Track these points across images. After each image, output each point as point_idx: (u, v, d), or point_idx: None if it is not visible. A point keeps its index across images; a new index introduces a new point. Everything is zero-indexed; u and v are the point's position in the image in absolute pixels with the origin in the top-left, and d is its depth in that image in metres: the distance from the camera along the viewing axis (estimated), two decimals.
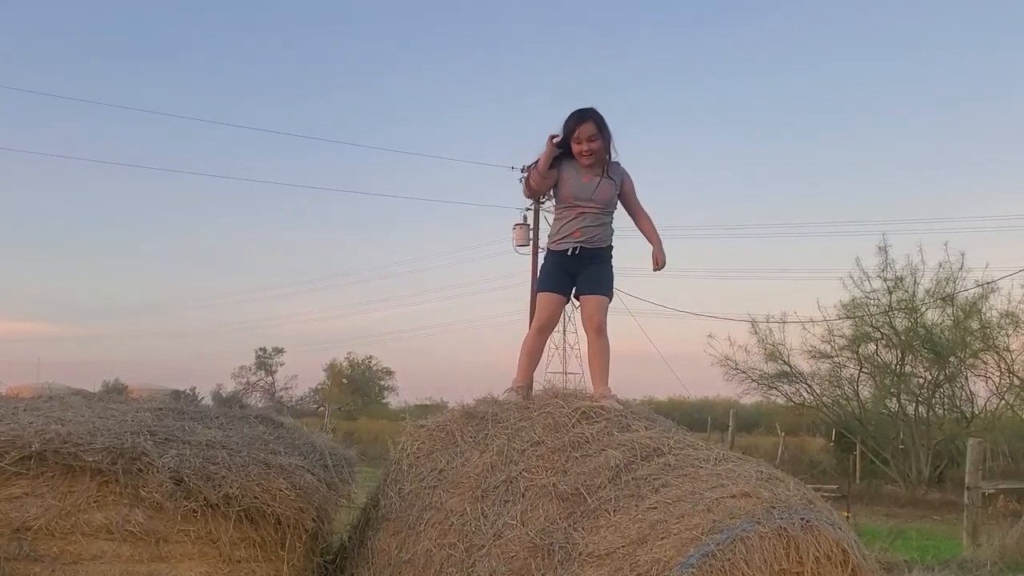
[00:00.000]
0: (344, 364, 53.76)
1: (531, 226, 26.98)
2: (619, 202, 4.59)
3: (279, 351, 54.44)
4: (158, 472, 3.25)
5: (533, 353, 4.63)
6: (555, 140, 4.48)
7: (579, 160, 4.47)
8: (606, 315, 4.54)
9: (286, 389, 53.84)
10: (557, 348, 40.44)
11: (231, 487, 3.33)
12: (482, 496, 3.58)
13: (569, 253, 4.49)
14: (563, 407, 3.84)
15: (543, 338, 4.67)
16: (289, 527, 3.47)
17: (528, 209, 27.04)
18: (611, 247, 4.60)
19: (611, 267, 4.61)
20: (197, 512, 3.32)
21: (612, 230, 4.58)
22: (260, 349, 54.26)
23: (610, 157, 4.55)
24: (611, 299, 4.60)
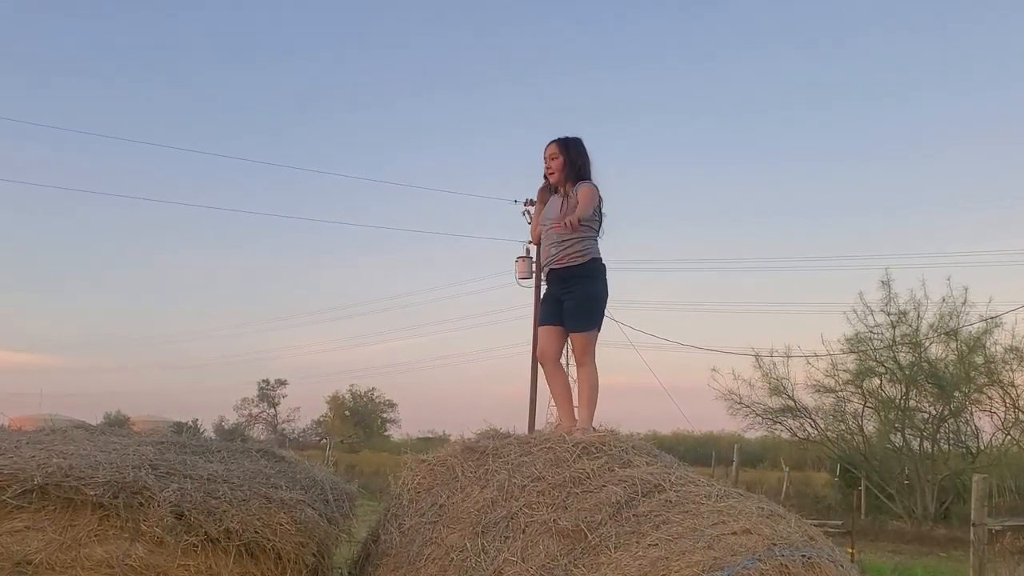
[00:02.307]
0: (346, 396, 53.55)
1: (533, 259, 27.04)
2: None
3: (282, 383, 54.23)
4: (159, 506, 3.25)
5: (554, 390, 4.73)
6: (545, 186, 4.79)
7: (549, 179, 4.75)
8: (591, 347, 4.60)
9: (288, 421, 53.55)
10: None
11: (232, 521, 3.33)
12: (482, 532, 3.57)
13: (544, 276, 4.68)
14: (564, 442, 3.84)
15: (548, 370, 4.75)
16: (289, 562, 3.47)
17: (531, 242, 27.06)
18: (592, 262, 4.61)
19: (594, 289, 4.62)
20: (198, 546, 3.31)
21: (588, 247, 4.59)
22: (263, 381, 54.05)
23: (578, 177, 4.66)
24: (597, 328, 4.63)
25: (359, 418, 52.28)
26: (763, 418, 20.83)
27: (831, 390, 20.21)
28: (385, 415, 54.59)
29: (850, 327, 19.93)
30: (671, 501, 3.37)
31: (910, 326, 19.33)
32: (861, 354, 19.85)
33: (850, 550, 9.21)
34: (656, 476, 3.55)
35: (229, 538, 3.34)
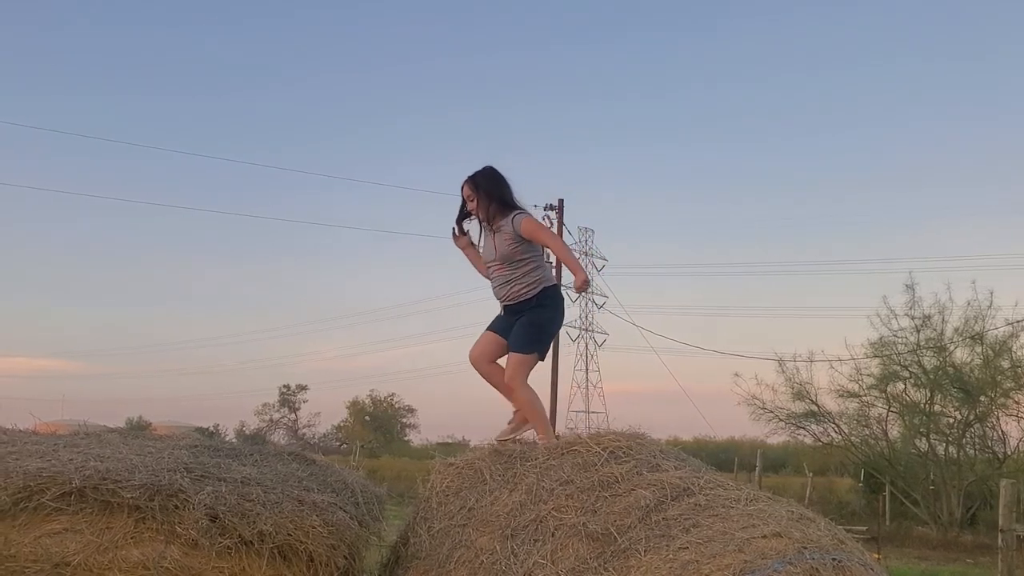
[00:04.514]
0: (366, 401, 53.81)
1: (554, 264, 27.05)
2: (532, 242, 4.58)
3: (302, 388, 54.60)
4: (194, 509, 3.29)
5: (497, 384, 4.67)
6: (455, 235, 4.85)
7: (476, 217, 4.73)
8: (524, 371, 4.54)
9: (309, 426, 53.87)
10: (580, 387, 40.41)
11: (265, 524, 3.36)
12: (512, 535, 3.60)
13: (502, 313, 4.66)
14: (592, 446, 3.85)
15: (482, 370, 4.69)
16: (321, 564, 3.50)
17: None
18: (543, 291, 4.58)
19: (545, 314, 4.58)
20: (232, 549, 3.35)
21: (536, 277, 4.57)
22: (284, 386, 54.44)
23: (500, 210, 4.61)
24: (538, 354, 4.58)
25: (379, 423, 52.47)
26: (786, 423, 20.73)
27: (855, 395, 20.08)
28: (404, 420, 54.81)
29: (874, 331, 19.80)
30: (700, 505, 3.39)
31: (935, 330, 19.18)
32: (885, 358, 19.71)
33: (876, 555, 9.16)
34: (685, 480, 3.56)
35: (262, 540, 3.37)
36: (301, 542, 3.43)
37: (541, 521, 3.57)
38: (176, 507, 3.30)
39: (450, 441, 37.47)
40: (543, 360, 4.67)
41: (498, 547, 3.57)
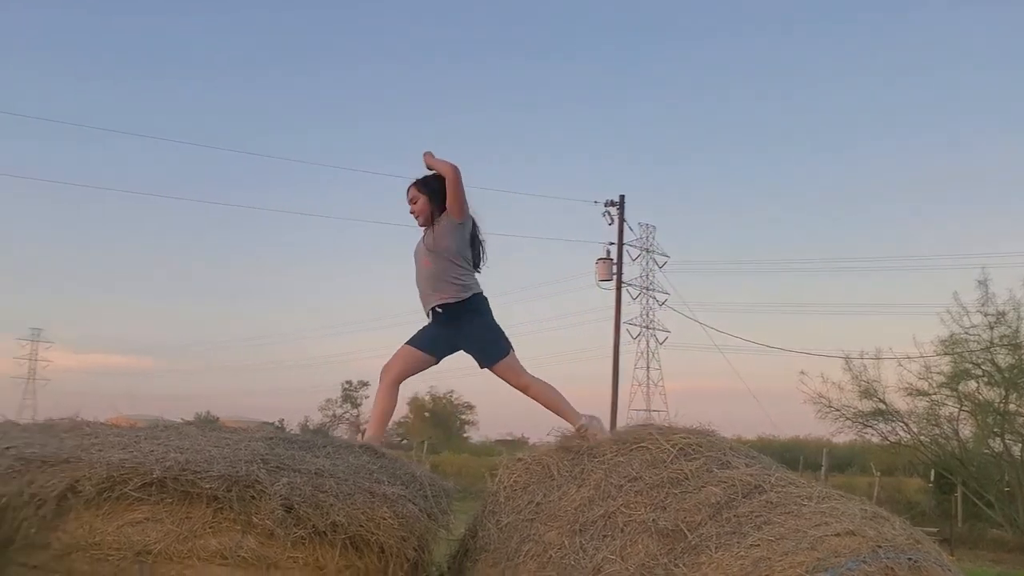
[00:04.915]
0: (426, 398, 54.19)
1: (614, 260, 26.92)
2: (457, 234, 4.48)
3: (364, 384, 55.15)
4: (270, 499, 3.35)
5: (379, 406, 4.75)
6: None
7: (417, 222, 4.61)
8: (518, 365, 4.51)
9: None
10: (640, 385, 40.15)
11: (338, 515, 3.41)
12: (580, 530, 3.61)
13: (429, 317, 4.56)
14: (661, 443, 3.84)
15: (383, 387, 4.72)
16: (392, 556, 3.54)
17: (611, 244, 27.00)
18: (475, 297, 4.50)
19: (482, 322, 4.50)
20: (306, 539, 3.40)
21: (465, 282, 4.48)
22: (346, 382, 55.08)
23: (441, 209, 4.53)
24: (509, 350, 4.52)
25: (438, 420, 52.81)
26: (853, 422, 20.35)
27: (924, 393, 19.62)
28: (463, 417, 55.08)
29: (944, 328, 19.33)
30: (772, 502, 3.35)
31: (1009, 327, 18.63)
32: (956, 356, 19.22)
33: (950, 557, 8.93)
34: (756, 477, 3.53)
35: (335, 531, 3.43)
36: (372, 533, 3.47)
37: (610, 517, 3.57)
38: (253, 497, 3.37)
39: (510, 438, 37.59)
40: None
41: (566, 542, 3.58)
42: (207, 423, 4.76)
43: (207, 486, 3.34)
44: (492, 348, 4.50)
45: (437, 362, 4.65)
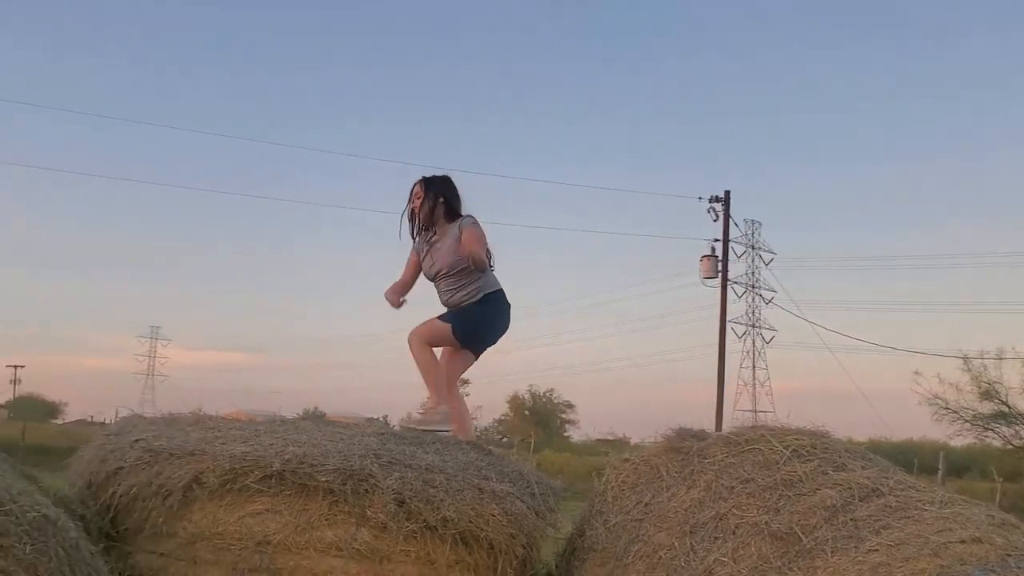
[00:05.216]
0: (525, 396, 54.41)
1: (719, 258, 26.46)
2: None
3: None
4: (383, 493, 3.43)
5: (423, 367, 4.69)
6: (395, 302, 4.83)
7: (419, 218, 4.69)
8: (429, 333, 4.57)
9: (471, 419, 54.96)
10: (746, 385, 39.34)
11: (448, 510, 3.47)
12: (690, 532, 3.56)
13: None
14: (773, 444, 3.76)
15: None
16: (501, 552, 3.57)
17: (716, 240, 26.56)
18: (485, 298, 4.61)
19: (478, 310, 4.62)
20: (417, 533, 3.47)
21: (479, 285, 4.61)
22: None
23: (445, 214, 4.62)
24: (448, 326, 4.59)
25: (539, 418, 52.98)
26: (972, 424, 19.52)
27: None
28: (564, 416, 55.10)
29: None
30: (891, 506, 3.24)
31: None
32: None
33: None
34: (873, 480, 3.42)
35: (446, 526, 3.48)
36: (482, 529, 3.52)
37: (721, 519, 3.51)
38: (366, 491, 3.45)
39: (611, 438, 37.41)
40: (476, 357, 4.75)
41: (676, 543, 3.54)
42: (316, 418, 4.90)
43: (323, 479, 3.44)
44: (458, 319, 4.62)
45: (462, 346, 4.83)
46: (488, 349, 4.86)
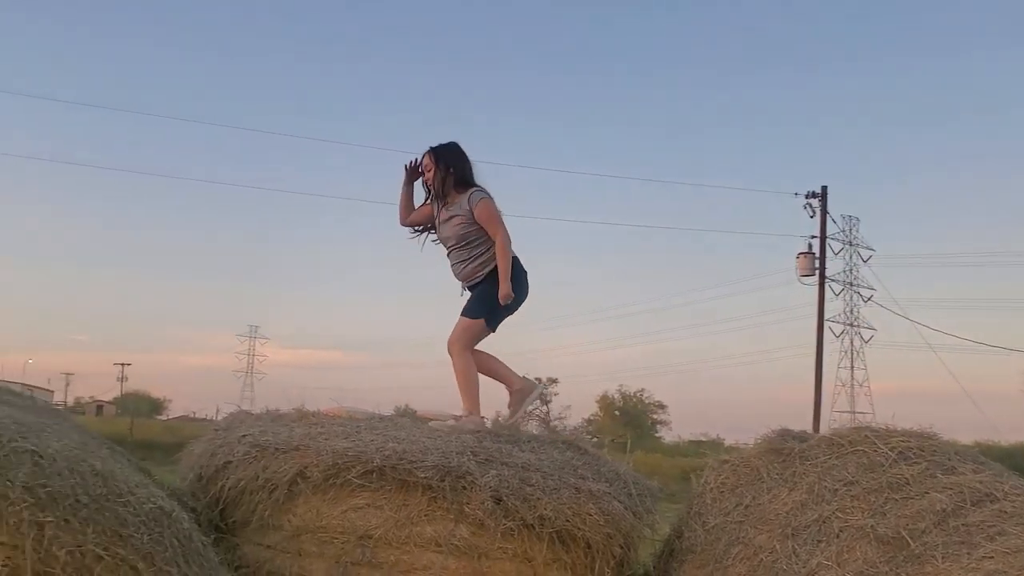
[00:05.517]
0: (616, 396, 54.08)
1: (816, 255, 25.80)
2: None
3: (553, 381, 55.78)
4: (480, 491, 3.47)
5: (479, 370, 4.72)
6: (409, 166, 4.75)
7: (430, 189, 4.71)
8: (464, 336, 4.54)
9: (560, 419, 54.96)
10: (844, 386, 38.23)
11: (545, 509, 3.48)
12: (792, 534, 3.48)
13: (461, 295, 4.68)
14: (877, 446, 3.65)
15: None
16: (598, 552, 3.57)
17: (813, 237, 25.91)
18: (492, 271, 4.55)
19: (492, 287, 4.53)
20: (514, 531, 3.49)
21: (492, 255, 4.55)
22: (535, 379, 55.78)
23: (456, 185, 4.58)
24: (481, 318, 4.55)
25: (629, 418, 52.61)
26: None
27: None
28: (655, 416, 54.58)
29: None
30: (1006, 512, 3.11)
31: None
32: None
33: None
34: (986, 485, 3.29)
35: (543, 525, 3.49)
36: (579, 528, 3.52)
37: (824, 522, 3.43)
38: (464, 488, 3.49)
39: (703, 439, 36.83)
40: (493, 331, 4.63)
41: (778, 546, 3.47)
42: (407, 415, 4.97)
43: (422, 476, 3.49)
44: (474, 305, 4.59)
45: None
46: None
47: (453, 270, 4.71)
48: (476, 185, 4.61)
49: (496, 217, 4.56)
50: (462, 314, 4.60)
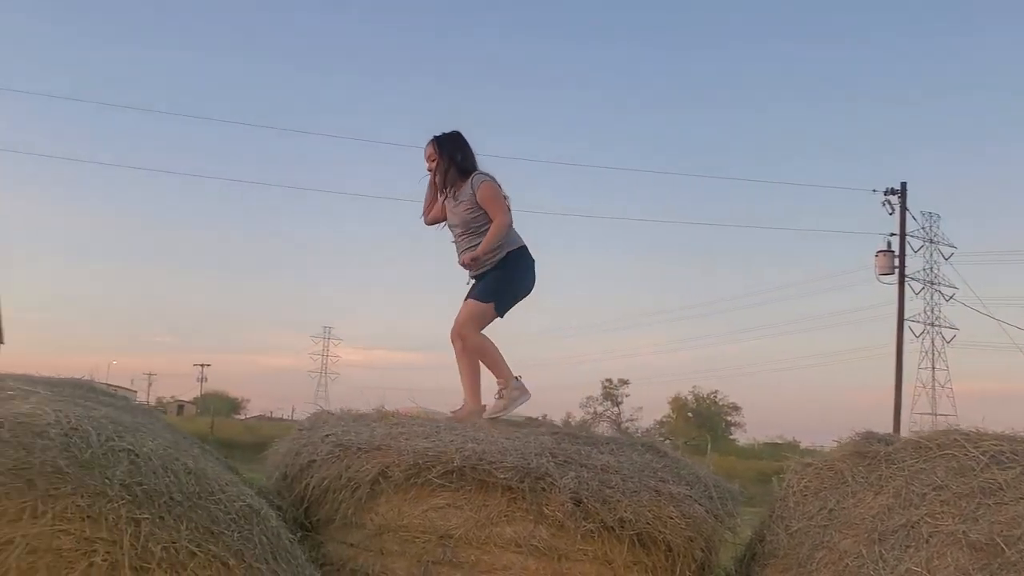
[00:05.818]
0: (688, 398, 53.51)
1: (896, 253, 25.13)
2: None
3: (624, 382, 55.46)
4: (560, 492, 3.47)
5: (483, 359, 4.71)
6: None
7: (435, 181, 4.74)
8: (472, 320, 4.51)
9: (632, 420, 54.63)
10: (925, 387, 37.15)
11: (625, 511, 3.47)
12: (879, 539, 3.40)
13: (467, 283, 4.68)
14: (968, 449, 3.54)
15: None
16: (679, 555, 3.54)
17: (892, 235, 25.24)
18: (506, 256, 4.56)
19: (500, 273, 4.55)
20: (594, 533, 3.49)
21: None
22: (606, 380, 55.62)
23: (459, 175, 4.60)
24: (490, 302, 4.53)
25: (702, 420, 52.01)
26: None
27: None
28: (729, 418, 53.82)
29: None
30: None
31: None
32: None
33: None
34: None
35: (623, 527, 3.48)
36: (660, 531, 3.50)
37: (913, 527, 3.34)
38: (543, 489, 3.50)
39: (779, 441, 36.20)
40: (501, 317, 4.57)
41: (864, 551, 3.39)
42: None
43: (502, 476, 3.52)
44: (483, 290, 4.59)
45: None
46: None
47: (460, 257, 4.74)
48: (479, 171, 4.70)
49: (498, 198, 4.59)
50: (470, 297, 4.64)
